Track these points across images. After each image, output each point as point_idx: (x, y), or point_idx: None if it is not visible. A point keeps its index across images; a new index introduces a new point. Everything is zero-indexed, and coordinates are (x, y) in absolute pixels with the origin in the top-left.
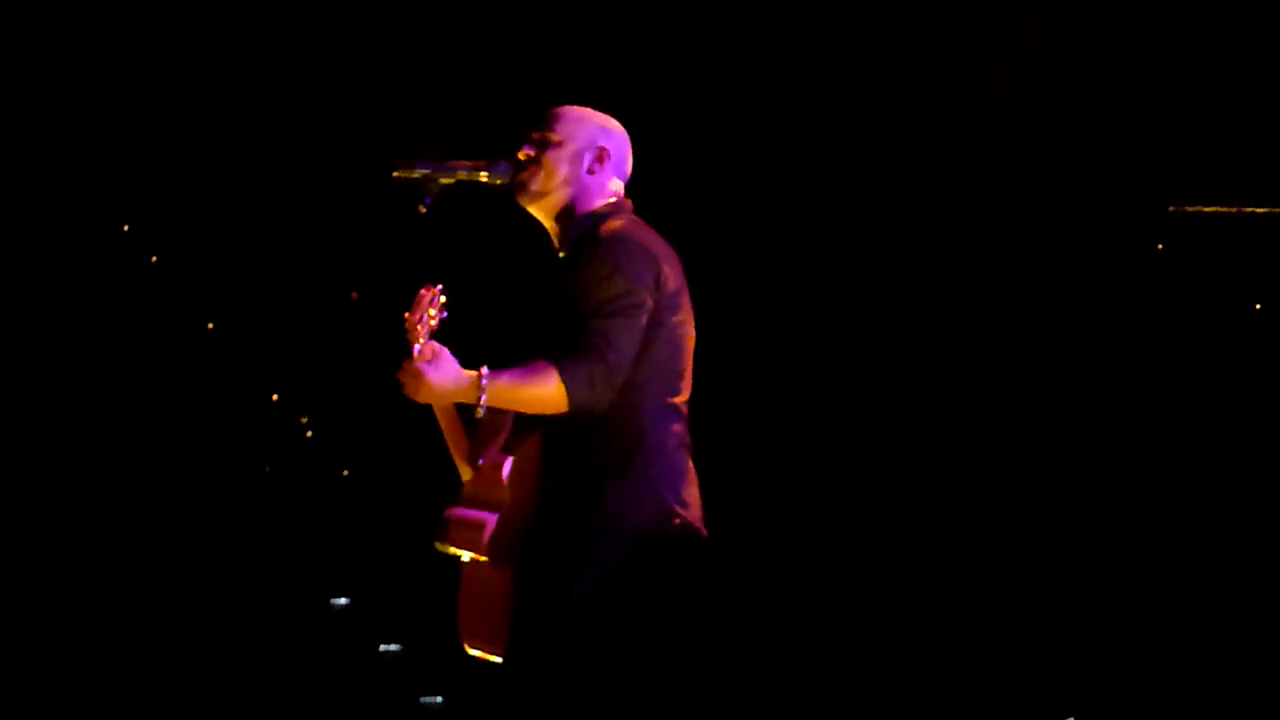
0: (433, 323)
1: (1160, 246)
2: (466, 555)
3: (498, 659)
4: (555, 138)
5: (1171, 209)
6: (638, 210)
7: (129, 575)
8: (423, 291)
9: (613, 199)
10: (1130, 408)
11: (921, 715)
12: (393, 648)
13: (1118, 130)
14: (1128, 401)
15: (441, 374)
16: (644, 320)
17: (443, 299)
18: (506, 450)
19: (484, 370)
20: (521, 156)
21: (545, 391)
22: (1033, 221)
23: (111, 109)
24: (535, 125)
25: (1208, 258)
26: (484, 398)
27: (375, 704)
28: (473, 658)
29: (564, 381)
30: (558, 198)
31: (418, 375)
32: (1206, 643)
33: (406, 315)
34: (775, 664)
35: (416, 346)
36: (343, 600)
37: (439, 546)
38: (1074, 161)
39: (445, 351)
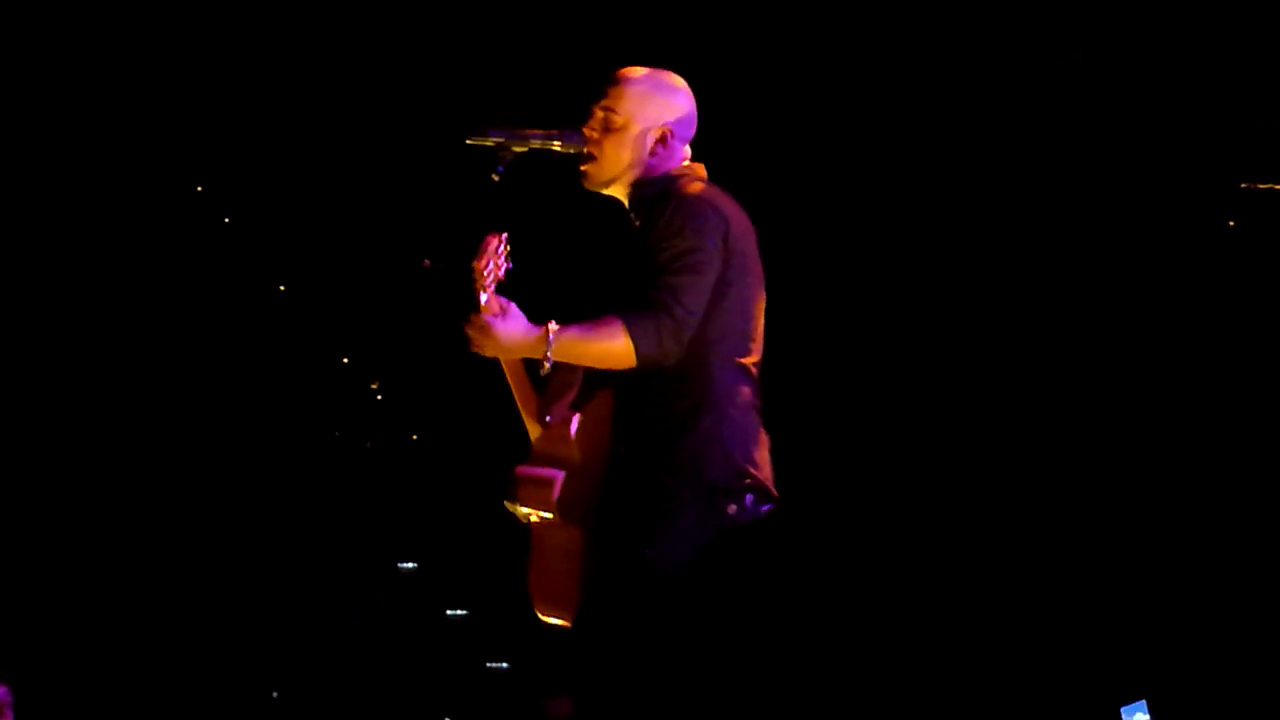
0: (499, 272)
1: (1231, 223)
2: (535, 514)
3: (569, 624)
4: (618, 120)
5: (1243, 185)
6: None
7: (197, 535)
8: (489, 238)
9: (684, 163)
10: (1201, 386)
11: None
12: (459, 613)
13: (1189, 106)
14: (1198, 380)
15: (509, 327)
16: (713, 277)
17: (508, 248)
18: (575, 408)
19: (551, 325)
20: (588, 135)
21: (613, 346)
22: (1103, 198)
23: (187, 73)
24: (598, 97)
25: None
26: (550, 351)
27: (441, 668)
28: (546, 624)
29: (631, 336)
30: (624, 180)
31: (485, 328)
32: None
33: (474, 263)
34: (840, 632)
35: (484, 296)
36: (410, 565)
37: (508, 506)
38: (1145, 138)
39: (513, 306)
